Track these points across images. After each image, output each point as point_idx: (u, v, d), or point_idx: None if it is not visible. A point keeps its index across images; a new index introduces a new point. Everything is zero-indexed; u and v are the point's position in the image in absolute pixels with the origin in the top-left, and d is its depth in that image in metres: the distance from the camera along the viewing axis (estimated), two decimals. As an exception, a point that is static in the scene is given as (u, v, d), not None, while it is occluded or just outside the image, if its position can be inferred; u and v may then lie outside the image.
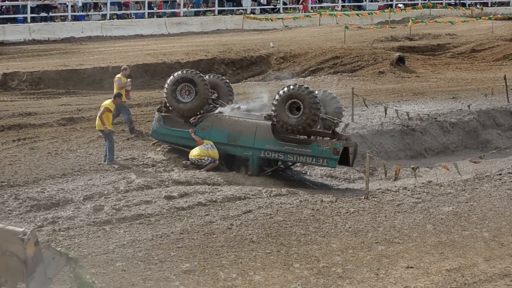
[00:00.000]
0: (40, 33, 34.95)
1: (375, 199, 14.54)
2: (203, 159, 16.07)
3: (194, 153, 16.14)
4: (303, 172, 18.07)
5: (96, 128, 16.31)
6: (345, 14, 45.59)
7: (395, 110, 21.22)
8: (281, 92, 16.11)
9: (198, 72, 17.37)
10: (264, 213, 13.18)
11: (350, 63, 30.63)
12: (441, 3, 52.17)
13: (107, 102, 16.07)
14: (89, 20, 38.66)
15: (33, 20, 36.69)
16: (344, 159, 16.29)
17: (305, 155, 15.96)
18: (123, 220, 12.38)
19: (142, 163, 16.14)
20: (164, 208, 13.07)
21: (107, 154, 15.88)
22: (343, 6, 50.20)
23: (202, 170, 15.86)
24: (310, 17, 44.73)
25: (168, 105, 17.05)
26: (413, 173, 15.79)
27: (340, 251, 11.54)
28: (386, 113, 20.98)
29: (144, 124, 19.63)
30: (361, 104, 22.07)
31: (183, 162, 16.24)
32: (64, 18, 38.36)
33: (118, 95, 16.44)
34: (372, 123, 20.66)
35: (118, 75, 18.44)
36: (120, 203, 13.13)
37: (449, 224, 13.03)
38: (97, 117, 15.99)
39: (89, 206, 12.85)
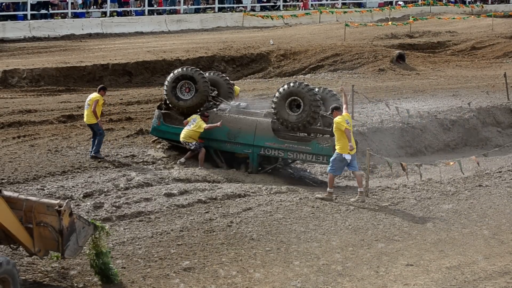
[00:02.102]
0: (40, 30, 34.93)
1: (375, 196, 14.53)
2: (190, 143, 16.03)
3: (181, 135, 16.16)
4: (303, 169, 18.05)
5: (86, 123, 16.07)
6: (344, 12, 45.55)
7: (395, 107, 21.20)
8: (281, 90, 16.09)
9: (198, 69, 17.35)
10: (264, 210, 13.18)
11: (350, 60, 30.62)
12: (441, 1, 52.15)
13: (96, 95, 15.91)
14: (89, 17, 38.63)
15: (33, 17, 36.67)
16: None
17: (305, 153, 15.94)
18: (123, 218, 12.38)
19: (142, 160, 16.12)
20: (164, 206, 13.06)
21: (95, 146, 15.82)
22: (343, 4, 50.15)
23: (200, 167, 15.83)
24: (310, 14, 44.70)
25: (168, 102, 17.02)
26: (413, 170, 15.78)
27: (340, 249, 11.54)
28: (388, 107, 20.93)
29: (144, 121, 19.62)
30: (361, 101, 22.05)
31: (179, 160, 16.16)
32: (64, 15, 38.32)
33: (102, 88, 16.20)
34: (372, 120, 20.64)
35: None
36: (120, 200, 13.12)
37: (449, 221, 13.04)
38: (89, 111, 15.77)
39: (89, 203, 12.83)
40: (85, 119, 16.16)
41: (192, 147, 16.07)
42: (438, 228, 12.69)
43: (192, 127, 16.08)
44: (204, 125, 16.11)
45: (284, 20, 42.99)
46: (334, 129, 14.13)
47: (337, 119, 14.02)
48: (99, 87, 16.43)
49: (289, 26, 41.81)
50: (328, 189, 14.15)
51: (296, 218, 12.89)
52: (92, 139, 16.25)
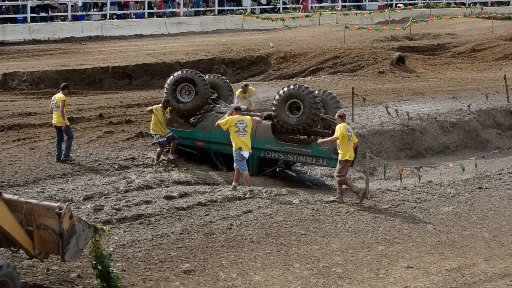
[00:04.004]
0: (40, 33, 34.93)
1: (375, 199, 14.53)
2: (155, 135, 16.15)
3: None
4: (303, 172, 18.05)
5: (56, 125, 15.73)
6: (344, 14, 45.58)
7: (395, 109, 21.22)
8: (281, 92, 16.11)
9: (198, 72, 17.36)
10: (264, 213, 13.18)
11: (350, 63, 30.63)
12: (442, 1, 52.18)
13: (62, 96, 15.67)
14: (89, 20, 38.64)
15: (33, 20, 36.66)
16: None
17: (305, 155, 15.95)
18: (123, 220, 12.37)
19: (142, 163, 16.12)
20: (164, 208, 13.06)
21: (64, 150, 15.64)
22: (343, 6, 50.19)
23: (156, 162, 15.92)
24: (310, 16, 44.74)
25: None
26: (413, 172, 15.78)
27: (340, 251, 11.54)
28: (388, 112, 20.95)
29: (144, 124, 19.62)
30: (361, 104, 22.07)
31: (169, 157, 16.13)
32: (64, 18, 38.32)
33: (66, 87, 16.03)
34: (372, 123, 20.66)
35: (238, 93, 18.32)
36: (120, 203, 13.12)
37: (449, 224, 13.04)
38: (58, 113, 15.49)
39: (89, 206, 12.83)
40: (54, 121, 15.78)
41: (156, 141, 16.17)
42: (438, 230, 12.69)
43: (159, 117, 16.14)
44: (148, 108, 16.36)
45: (284, 23, 43.00)
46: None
47: (232, 117, 14.58)
48: (62, 85, 16.16)
49: (289, 28, 41.83)
50: (248, 188, 14.30)
51: (296, 220, 12.89)
52: (57, 142, 15.81)
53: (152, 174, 15.20)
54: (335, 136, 13.95)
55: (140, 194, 13.77)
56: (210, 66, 29.45)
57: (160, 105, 16.30)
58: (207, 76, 17.87)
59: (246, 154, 14.38)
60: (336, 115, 14.42)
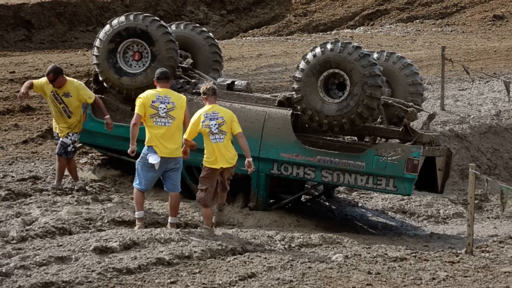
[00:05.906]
0: None
1: (487, 255, 14.50)
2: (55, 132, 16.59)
3: None
4: (352, 203, 18.04)
5: None
6: None
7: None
8: (310, 56, 16.09)
9: (156, 18, 17.35)
10: (279, 279, 13.13)
11: (437, 1, 30.69)
12: None
13: None
14: None
15: None
16: (427, 179, 16.29)
17: (355, 172, 15.95)
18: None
19: (51, 186, 16.12)
20: (94, 271, 12.94)
21: None
22: None
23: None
24: None
25: (101, 78, 17.04)
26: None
27: None
28: (508, 93, 20.97)
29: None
30: (458, 76, 22.06)
31: (76, 184, 16.29)
32: None
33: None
34: (480, 112, 20.65)
35: None
36: (9, 262, 12.97)
37: None
38: None
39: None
40: None
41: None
42: None
43: None
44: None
45: None
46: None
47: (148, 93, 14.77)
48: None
49: None
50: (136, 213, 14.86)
51: (338, 294, 12.89)
52: None
53: (71, 206, 15.17)
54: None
55: (47, 245, 13.72)
56: (178, 7, 29.47)
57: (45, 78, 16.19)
58: (173, 26, 17.89)
59: (154, 160, 14.44)
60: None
